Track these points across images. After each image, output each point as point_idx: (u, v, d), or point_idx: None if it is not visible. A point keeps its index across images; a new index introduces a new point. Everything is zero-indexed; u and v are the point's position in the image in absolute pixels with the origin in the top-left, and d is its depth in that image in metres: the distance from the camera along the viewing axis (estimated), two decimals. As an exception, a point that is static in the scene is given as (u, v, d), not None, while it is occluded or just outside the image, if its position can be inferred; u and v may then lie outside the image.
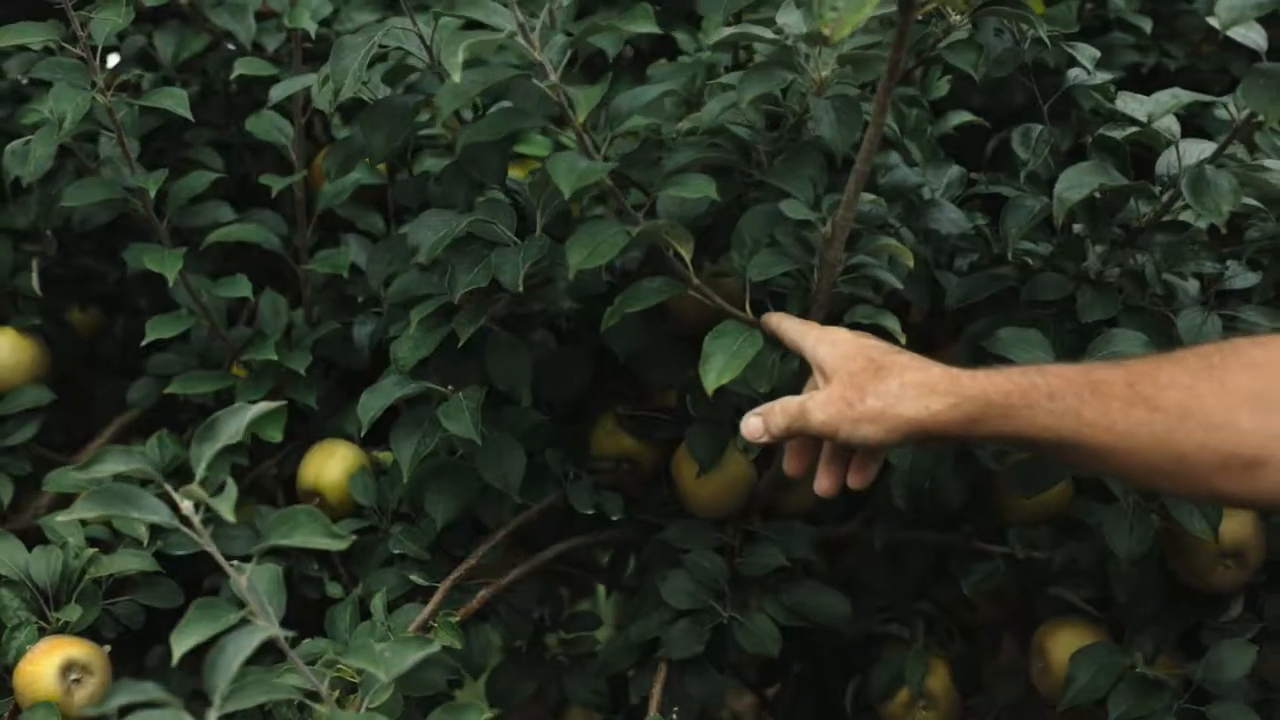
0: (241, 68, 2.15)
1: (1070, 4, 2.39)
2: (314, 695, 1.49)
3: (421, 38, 1.85)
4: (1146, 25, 2.36)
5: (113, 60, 2.39)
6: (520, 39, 1.62)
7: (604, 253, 1.65)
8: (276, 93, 2.06)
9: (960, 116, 2.16)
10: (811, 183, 1.71)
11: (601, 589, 2.64)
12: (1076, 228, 1.90)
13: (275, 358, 2.09)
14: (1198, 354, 1.46)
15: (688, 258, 1.68)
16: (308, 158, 2.23)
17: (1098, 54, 1.87)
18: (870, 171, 1.90)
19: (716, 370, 1.64)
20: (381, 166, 2.24)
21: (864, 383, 1.52)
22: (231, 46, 2.38)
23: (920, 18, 1.73)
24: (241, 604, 1.41)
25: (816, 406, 1.54)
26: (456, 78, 1.54)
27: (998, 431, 1.48)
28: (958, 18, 1.70)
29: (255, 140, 2.24)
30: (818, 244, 1.70)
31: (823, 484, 1.64)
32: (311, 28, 2.13)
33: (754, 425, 1.61)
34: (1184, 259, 1.85)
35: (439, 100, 1.70)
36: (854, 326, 1.70)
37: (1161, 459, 1.43)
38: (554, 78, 1.64)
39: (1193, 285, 1.92)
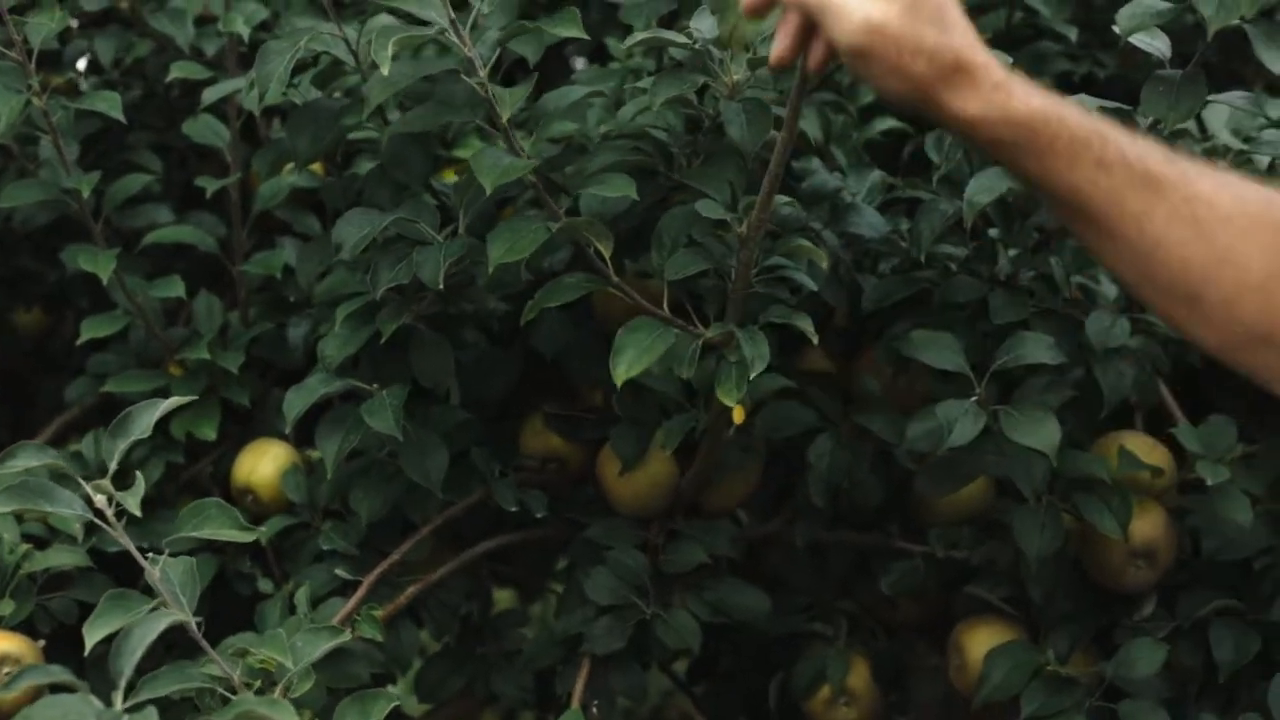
0: (177, 71, 2.18)
1: (999, 12, 2.43)
2: (230, 685, 1.51)
3: (348, 42, 1.88)
4: (1072, 34, 2.40)
5: (81, 64, 2.43)
6: (451, 35, 1.65)
7: (523, 247, 1.68)
8: (209, 95, 2.09)
9: (885, 122, 2.20)
10: (729, 184, 1.74)
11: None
12: (991, 232, 1.94)
13: (209, 357, 2.12)
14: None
15: (607, 255, 1.72)
16: (245, 160, 2.26)
17: (1010, 60, 1.90)
18: (791, 175, 1.95)
19: (626, 363, 1.67)
20: (319, 169, 2.27)
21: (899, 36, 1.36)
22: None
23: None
24: (155, 595, 1.44)
25: None
26: (385, 70, 1.57)
27: (1018, 161, 1.37)
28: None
29: (197, 143, 2.26)
30: (734, 244, 1.73)
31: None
32: (245, 32, 2.16)
33: None
34: (1093, 263, 1.88)
35: (368, 91, 1.73)
36: (772, 328, 1.74)
37: (1171, 288, 1.33)
38: (483, 74, 1.67)
39: (1108, 289, 1.95)
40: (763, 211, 1.68)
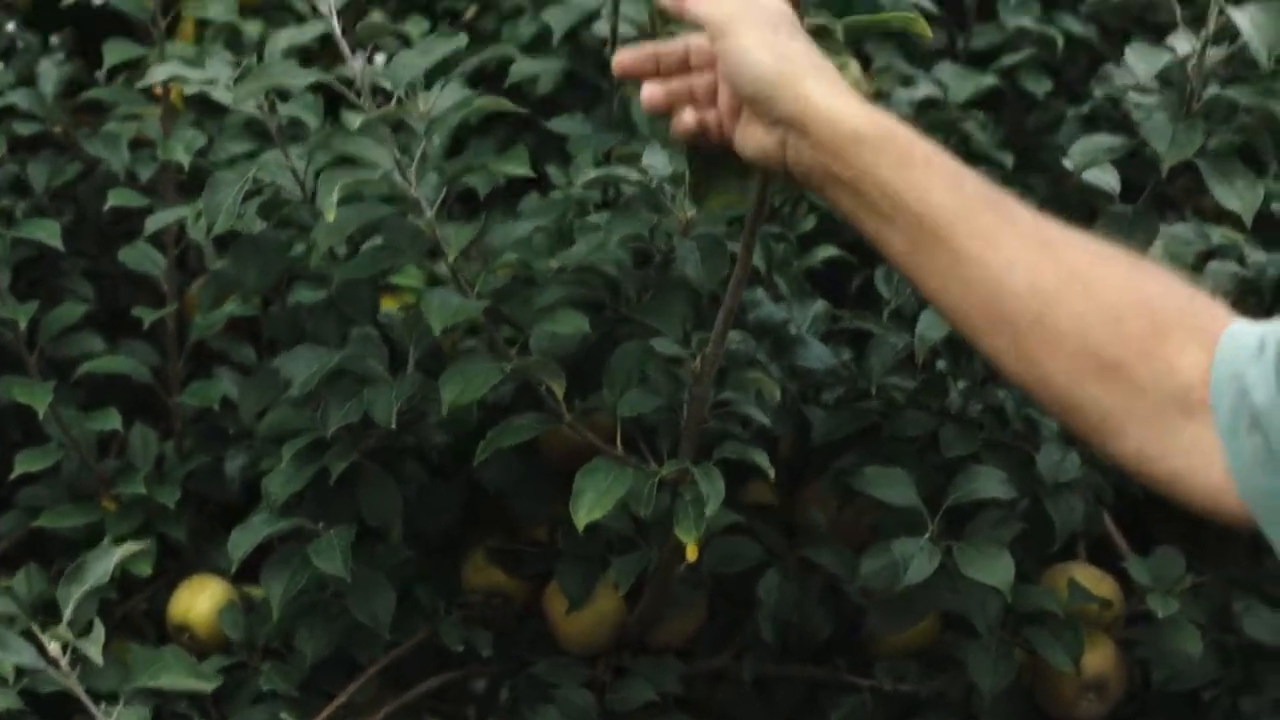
0: (115, 198, 2.15)
1: (935, 136, 2.44)
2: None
3: (295, 172, 1.86)
4: (1008, 160, 2.41)
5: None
6: (396, 176, 1.64)
7: (477, 388, 1.67)
8: (151, 225, 2.06)
9: (826, 251, 2.19)
10: (681, 320, 1.74)
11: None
12: (939, 364, 1.94)
13: (145, 491, 2.08)
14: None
15: (559, 393, 1.70)
16: (180, 288, 2.23)
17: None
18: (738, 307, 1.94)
19: (587, 506, 1.66)
20: (254, 298, 2.24)
21: (776, 22, 1.38)
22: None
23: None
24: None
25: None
26: (331, 217, 1.55)
27: (874, 164, 1.31)
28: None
29: (128, 269, 2.24)
30: (687, 380, 1.72)
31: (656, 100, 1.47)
32: (185, 160, 2.14)
33: None
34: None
35: (315, 238, 1.72)
36: (723, 463, 1.73)
37: (1019, 314, 1.25)
38: (429, 214, 1.65)
39: (1053, 422, 1.95)
40: (717, 347, 1.68)
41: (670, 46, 1.47)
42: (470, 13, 2.89)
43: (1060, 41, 2.47)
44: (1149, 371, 1.20)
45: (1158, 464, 1.21)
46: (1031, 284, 1.24)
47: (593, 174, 1.75)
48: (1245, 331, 1.20)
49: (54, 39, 2.71)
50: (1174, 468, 1.20)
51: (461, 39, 1.65)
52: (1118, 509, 2.11)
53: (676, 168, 1.73)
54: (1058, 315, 1.23)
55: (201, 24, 2.49)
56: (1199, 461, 1.19)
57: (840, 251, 2.19)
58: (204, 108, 2.54)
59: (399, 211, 1.69)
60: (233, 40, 2.59)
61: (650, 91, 1.45)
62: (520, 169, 1.69)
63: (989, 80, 2.40)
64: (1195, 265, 1.93)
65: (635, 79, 1.47)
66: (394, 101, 1.62)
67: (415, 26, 1.68)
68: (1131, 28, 2.74)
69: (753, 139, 1.40)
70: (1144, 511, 2.20)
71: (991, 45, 2.54)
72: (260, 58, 1.75)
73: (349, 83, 1.67)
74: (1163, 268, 1.27)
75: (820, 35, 1.46)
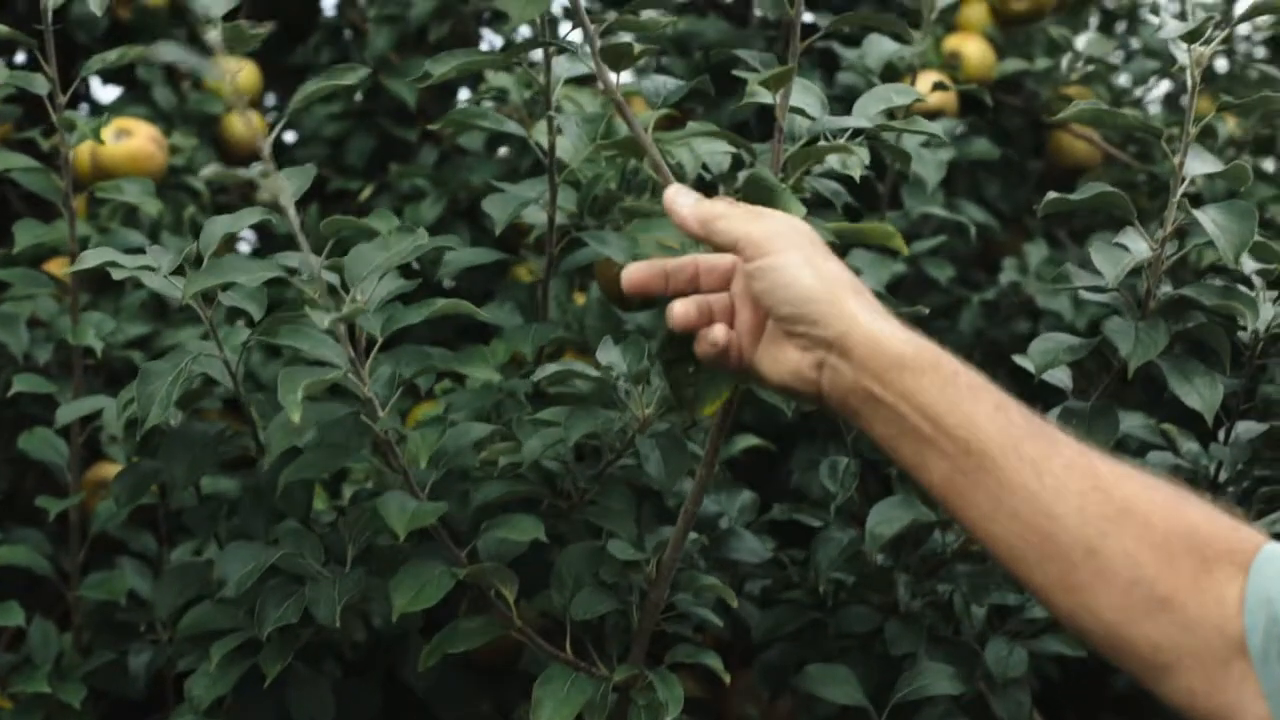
0: (20, 384, 2.08)
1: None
2: None
3: (227, 364, 1.81)
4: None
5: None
6: (352, 375, 1.59)
7: (430, 595, 1.61)
8: (63, 415, 2.00)
9: (746, 440, 2.18)
10: (635, 521, 1.70)
11: None
12: (879, 558, 1.92)
13: (48, 689, 1.99)
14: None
15: (510, 598, 1.66)
16: (79, 473, 2.16)
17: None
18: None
19: (546, 717, 1.60)
20: (154, 486, 2.17)
21: (813, 241, 1.38)
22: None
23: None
24: None
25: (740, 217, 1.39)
26: (295, 417, 1.50)
27: (917, 387, 1.29)
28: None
29: (18, 453, 2.16)
30: (639, 584, 1.69)
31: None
32: (97, 345, 2.08)
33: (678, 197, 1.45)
34: (988, 590, 1.87)
35: (269, 440, 1.66)
36: (675, 667, 1.69)
37: (1070, 545, 1.23)
38: (383, 415, 1.61)
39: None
40: (675, 551, 1.65)
41: (680, 263, 1.44)
42: (365, 194, 2.87)
43: (972, 230, 2.50)
44: (1199, 606, 1.19)
45: (1208, 700, 1.19)
46: (1083, 516, 1.22)
47: (550, 369, 1.72)
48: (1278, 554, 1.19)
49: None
50: (1224, 703, 1.18)
51: (423, 236, 1.61)
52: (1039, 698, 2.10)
53: (631, 365, 1.70)
54: (1110, 549, 1.21)
55: (95, 200, 2.44)
56: (1249, 695, 1.17)
57: (761, 441, 2.17)
58: (99, 286, 2.49)
59: (353, 411, 1.64)
60: (129, 219, 2.54)
61: (683, 309, 1.41)
62: (485, 374, 1.66)
63: (900, 268, 2.41)
64: (1137, 453, 1.95)
65: (643, 295, 1.44)
66: (350, 299, 1.58)
67: (383, 222, 1.64)
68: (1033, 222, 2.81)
69: (784, 360, 1.38)
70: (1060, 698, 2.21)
71: (899, 231, 2.55)
72: (198, 251, 1.68)
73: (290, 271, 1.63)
74: (1195, 494, 1.26)
75: None
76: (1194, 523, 1.22)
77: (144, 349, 2.43)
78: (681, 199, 1.43)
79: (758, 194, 1.48)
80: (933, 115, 2.68)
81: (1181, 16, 1.66)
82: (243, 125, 2.94)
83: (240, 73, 2.95)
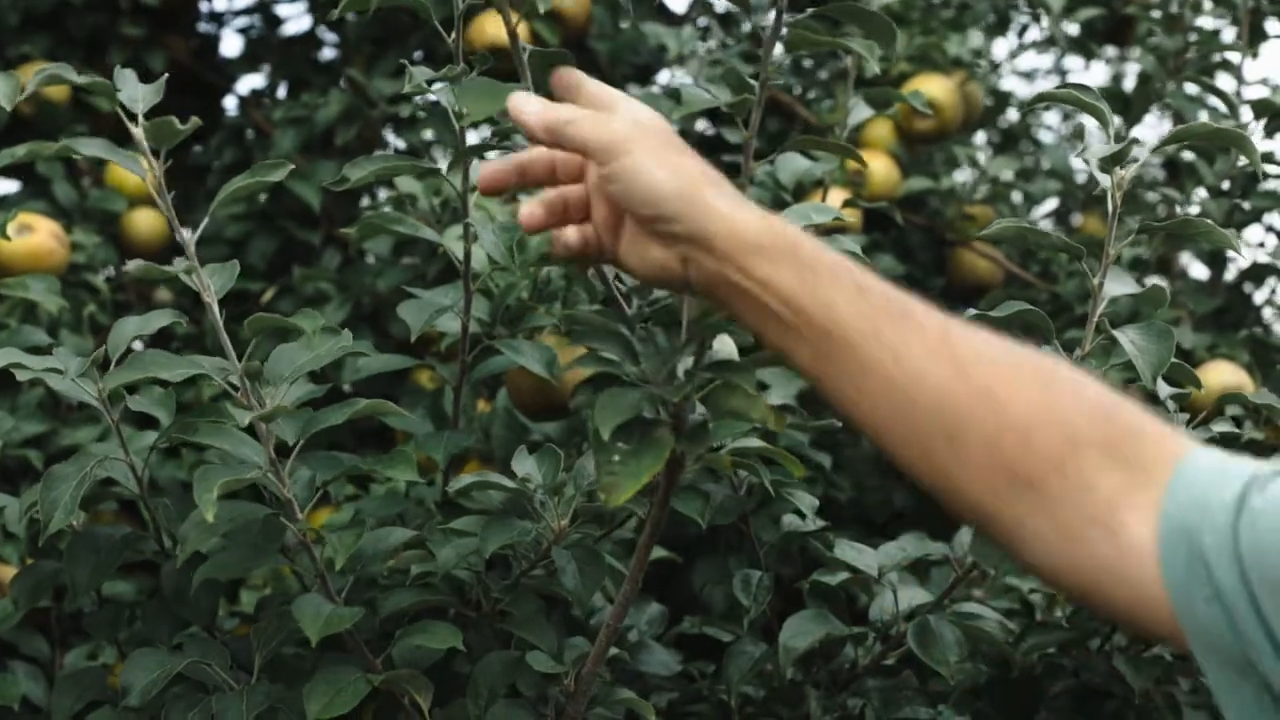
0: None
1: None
2: None
3: (133, 468, 1.77)
4: (826, 461, 2.43)
5: None
6: (270, 476, 1.57)
7: (345, 702, 1.58)
8: (-34, 516, 1.95)
9: (654, 551, 2.16)
10: (555, 633, 1.69)
11: None
12: (790, 672, 1.91)
13: (-63, 802, 1.93)
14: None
15: (425, 706, 1.63)
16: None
17: (816, 503, 1.91)
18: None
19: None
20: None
21: (665, 139, 1.32)
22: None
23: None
24: None
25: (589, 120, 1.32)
26: (210, 516, 1.47)
27: (776, 273, 1.26)
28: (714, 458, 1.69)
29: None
30: (556, 696, 1.67)
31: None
32: (-4, 443, 2.04)
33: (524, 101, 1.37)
34: (900, 704, 1.87)
35: (182, 538, 1.63)
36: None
37: (930, 430, 1.22)
38: (302, 517, 1.59)
39: None
40: (595, 665, 1.63)
41: (533, 156, 1.40)
42: (267, 296, 2.85)
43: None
44: (1062, 486, 1.18)
45: (1072, 577, 1.19)
46: (940, 399, 1.21)
47: (467, 480, 1.70)
48: (1206, 471, 1.17)
49: None
50: (1089, 581, 1.18)
51: (347, 337, 1.60)
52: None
53: (547, 476, 1.69)
54: (967, 432, 1.21)
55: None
56: (1119, 578, 1.16)
57: (668, 553, 2.16)
58: (-3, 384, 2.44)
59: (270, 512, 1.62)
60: (28, 315, 2.50)
61: (530, 210, 1.37)
62: (410, 474, 1.64)
63: (802, 383, 2.41)
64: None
65: (499, 193, 1.41)
66: (270, 398, 1.56)
67: (309, 321, 1.62)
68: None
69: (649, 256, 1.34)
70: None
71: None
72: (106, 353, 1.66)
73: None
74: (1086, 377, 1.24)
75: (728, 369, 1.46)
76: (1062, 409, 1.20)
77: (40, 448, 2.39)
78: (528, 106, 1.37)
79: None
80: (839, 231, 2.70)
81: (1076, 135, 1.68)
82: (153, 222, 2.91)
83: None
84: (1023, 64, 3.58)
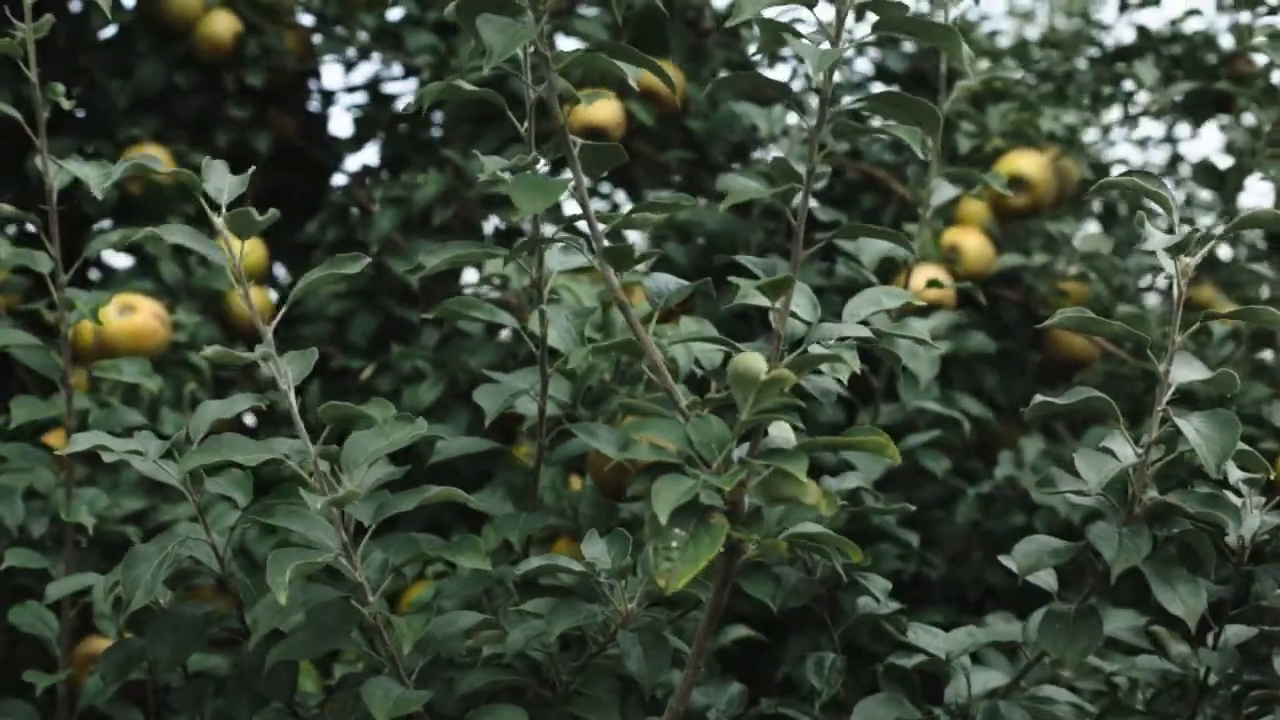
0: (13, 559, 2.09)
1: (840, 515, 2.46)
2: None
3: (214, 547, 1.82)
4: (914, 539, 2.43)
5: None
6: (343, 559, 1.60)
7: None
8: (52, 592, 2.00)
9: (737, 630, 2.18)
10: (624, 714, 1.70)
11: None
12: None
13: None
14: None
15: (494, 788, 1.65)
16: (69, 648, 2.16)
17: (889, 586, 1.91)
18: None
19: None
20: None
21: None
22: None
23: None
24: None
25: None
26: (283, 599, 1.51)
27: None
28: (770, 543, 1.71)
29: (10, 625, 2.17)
30: (623, 777, 1.68)
31: None
32: (89, 522, 2.09)
33: None
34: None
35: (255, 620, 1.67)
36: None
37: None
38: (373, 600, 1.62)
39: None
40: (665, 755, 1.65)
41: None
42: (366, 373, 2.89)
43: (966, 426, 2.52)
44: None
45: None
46: None
47: (535, 563, 1.72)
48: None
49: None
50: None
51: (421, 425, 1.63)
52: None
53: (616, 559, 1.71)
54: None
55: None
56: None
57: (752, 632, 2.17)
58: (97, 459, 2.50)
59: (342, 595, 1.65)
60: (129, 393, 2.56)
61: None
62: (478, 562, 1.67)
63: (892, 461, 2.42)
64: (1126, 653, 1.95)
65: None
66: (343, 484, 1.60)
67: (380, 410, 1.65)
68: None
69: None
70: None
71: (893, 423, 2.57)
72: (188, 434, 1.70)
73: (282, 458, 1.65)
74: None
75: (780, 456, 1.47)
76: None
77: (139, 524, 2.44)
78: None
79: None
80: (931, 308, 2.71)
81: (1170, 230, 1.68)
82: (256, 301, 2.97)
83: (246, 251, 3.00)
84: (1137, 131, 3.55)
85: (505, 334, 2.83)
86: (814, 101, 1.61)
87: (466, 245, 1.83)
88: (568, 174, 1.63)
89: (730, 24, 1.47)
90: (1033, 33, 4.79)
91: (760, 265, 1.65)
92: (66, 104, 2.08)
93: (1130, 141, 3.78)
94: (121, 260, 3.13)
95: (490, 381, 1.96)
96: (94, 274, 3.08)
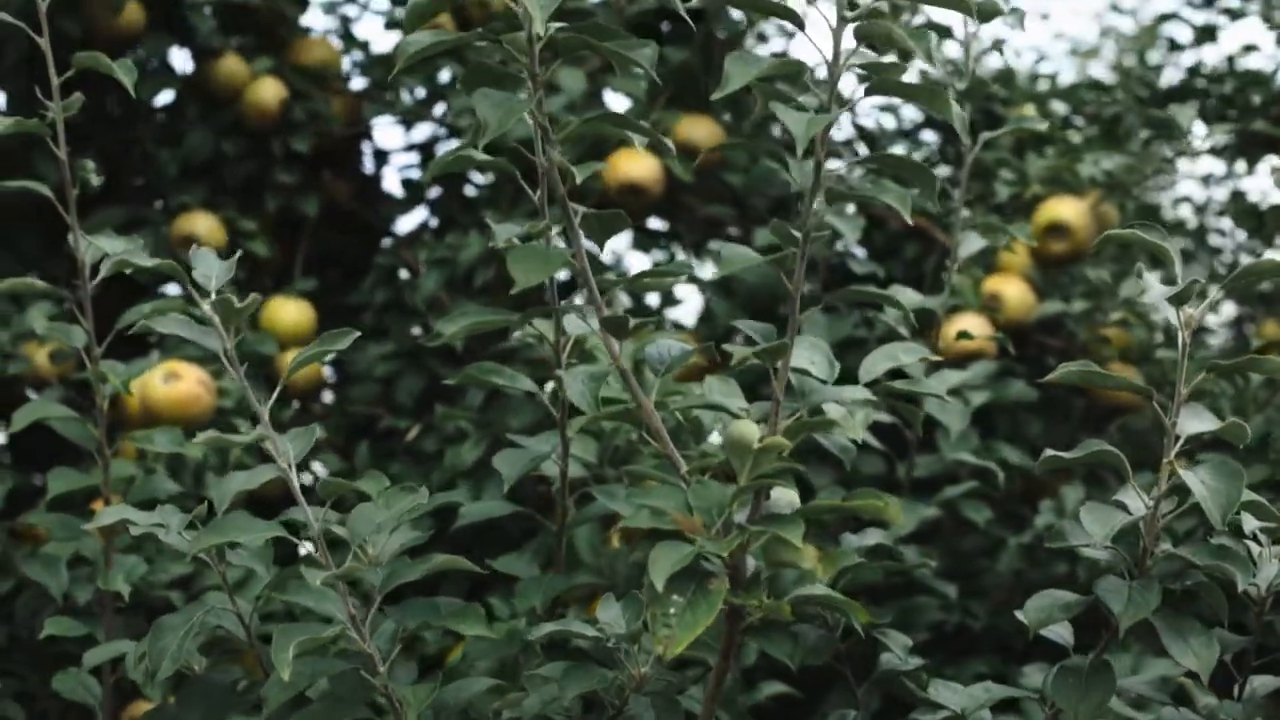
0: (51, 628, 2.13)
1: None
2: None
3: (240, 616, 1.84)
4: (951, 591, 2.44)
5: None
6: (351, 631, 1.62)
7: None
8: (90, 659, 2.03)
9: (772, 687, 2.19)
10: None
11: None
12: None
13: None
14: None
15: None
16: (115, 712, 2.20)
17: (909, 642, 1.91)
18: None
19: None
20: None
21: None
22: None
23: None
24: None
25: None
26: (285, 675, 1.53)
27: None
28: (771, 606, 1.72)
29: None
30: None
31: None
32: (125, 590, 2.13)
33: None
34: None
35: (266, 694, 1.69)
36: None
37: None
38: (383, 670, 1.64)
39: None
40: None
41: None
42: (412, 434, 2.93)
43: (1000, 476, 2.52)
44: None
45: None
46: None
47: (548, 628, 1.74)
48: None
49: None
50: None
51: (423, 494, 1.66)
52: None
53: (629, 623, 1.72)
54: None
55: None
56: None
57: (786, 687, 2.18)
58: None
59: (352, 667, 1.67)
60: (175, 459, 2.60)
61: None
62: (479, 630, 1.69)
63: (930, 512, 2.43)
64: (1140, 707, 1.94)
65: None
66: (351, 556, 1.62)
67: (373, 484, 1.68)
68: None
69: None
70: None
71: (933, 474, 2.58)
72: (210, 507, 1.73)
73: (299, 527, 1.68)
74: None
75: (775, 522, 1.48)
76: None
77: (184, 588, 2.48)
78: None
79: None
80: (972, 357, 2.71)
81: (1170, 280, 1.68)
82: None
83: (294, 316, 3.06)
84: (1199, 168, 3.54)
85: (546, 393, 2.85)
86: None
87: (482, 312, 1.85)
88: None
89: (716, 96, 1.49)
90: (1099, 70, 4.80)
91: (758, 330, 1.66)
92: (95, 180, 2.12)
93: (1194, 179, 3.78)
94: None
95: (515, 446, 1.98)
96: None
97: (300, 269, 3.27)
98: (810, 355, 1.77)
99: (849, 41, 1.55)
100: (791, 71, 1.53)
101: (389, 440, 3.00)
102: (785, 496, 1.57)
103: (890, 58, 1.59)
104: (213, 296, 1.62)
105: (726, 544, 1.48)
